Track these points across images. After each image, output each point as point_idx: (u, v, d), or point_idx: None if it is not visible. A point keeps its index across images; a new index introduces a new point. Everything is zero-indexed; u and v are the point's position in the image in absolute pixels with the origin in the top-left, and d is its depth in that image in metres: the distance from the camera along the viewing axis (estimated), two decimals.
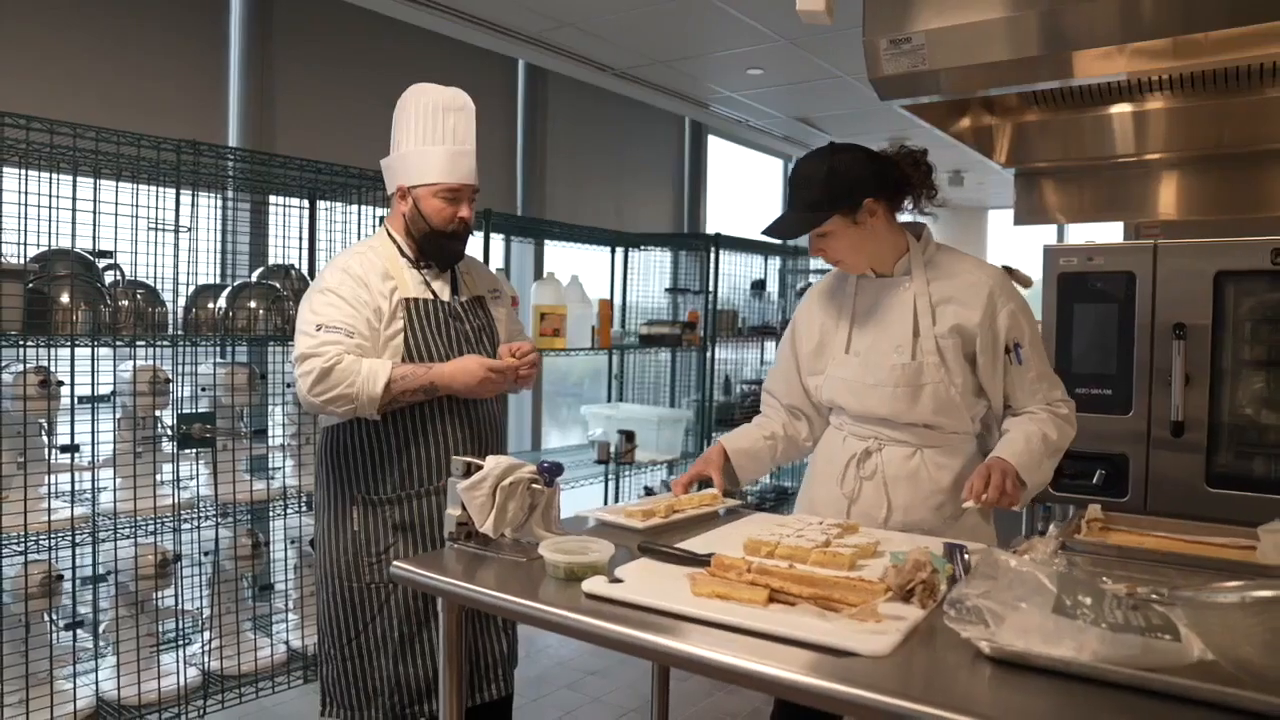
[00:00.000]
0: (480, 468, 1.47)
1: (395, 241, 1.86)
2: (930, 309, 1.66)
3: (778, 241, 6.44)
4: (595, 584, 1.24)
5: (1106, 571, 1.24)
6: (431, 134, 1.80)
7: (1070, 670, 0.96)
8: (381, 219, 3.14)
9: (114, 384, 2.52)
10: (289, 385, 2.80)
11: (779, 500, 5.00)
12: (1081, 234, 5.80)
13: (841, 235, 1.65)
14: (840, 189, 1.61)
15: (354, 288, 1.76)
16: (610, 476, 4.24)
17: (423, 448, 1.79)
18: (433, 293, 1.84)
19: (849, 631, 1.06)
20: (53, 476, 2.43)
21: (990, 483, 1.52)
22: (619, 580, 1.25)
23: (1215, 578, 1.05)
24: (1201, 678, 0.90)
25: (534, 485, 1.48)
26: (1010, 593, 1.01)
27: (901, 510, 1.68)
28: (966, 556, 1.29)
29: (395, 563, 1.42)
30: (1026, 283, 4.22)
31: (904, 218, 1.77)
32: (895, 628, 1.07)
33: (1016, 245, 7.61)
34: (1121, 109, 2.34)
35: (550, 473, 1.48)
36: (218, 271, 3.03)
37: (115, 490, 2.52)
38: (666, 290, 4.75)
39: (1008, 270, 4.18)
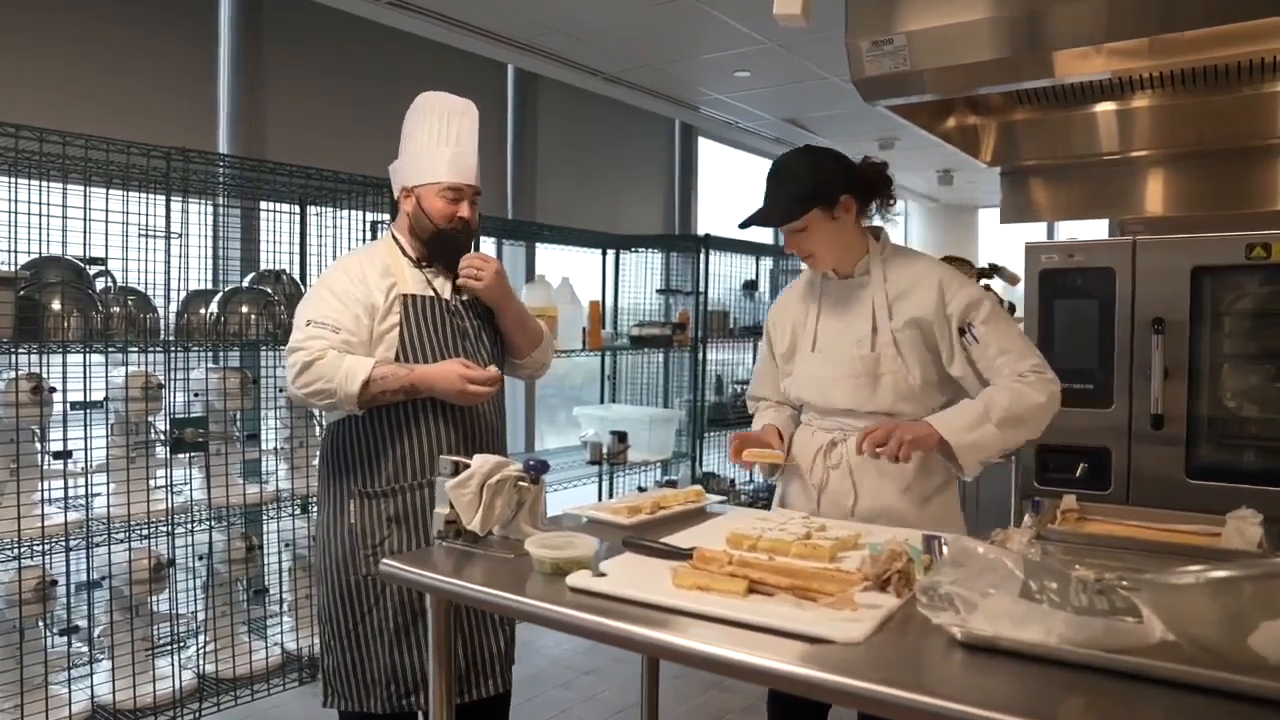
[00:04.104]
0: (468, 466, 1.50)
1: (399, 243, 1.91)
2: (887, 304, 1.74)
3: (769, 242, 6.49)
4: (579, 578, 1.26)
5: (1078, 559, 1.27)
6: (438, 137, 1.86)
7: (1038, 653, 0.99)
8: (372, 224, 3.17)
9: (106, 390, 2.53)
10: (281, 390, 2.82)
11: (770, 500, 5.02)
12: (1067, 232, 5.85)
13: (819, 229, 1.73)
14: (822, 184, 1.71)
15: (347, 284, 1.81)
16: (604, 477, 4.27)
17: (412, 442, 1.81)
18: (434, 290, 1.88)
19: (825, 620, 1.09)
20: (46, 482, 2.44)
21: (875, 436, 1.62)
22: (603, 574, 1.28)
23: (1180, 562, 1.08)
24: (1163, 657, 0.93)
25: (520, 483, 1.50)
26: (980, 579, 1.04)
27: (869, 496, 1.74)
28: (945, 547, 1.32)
29: (385, 561, 1.45)
30: (1014, 280, 4.25)
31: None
32: (870, 616, 1.10)
33: (1007, 244, 7.65)
34: (1105, 107, 2.37)
35: (536, 470, 1.50)
36: (209, 277, 3.05)
37: (109, 495, 2.53)
38: (658, 291, 4.78)
39: (995, 269, 4.23)
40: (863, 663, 1.01)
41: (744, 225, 1.78)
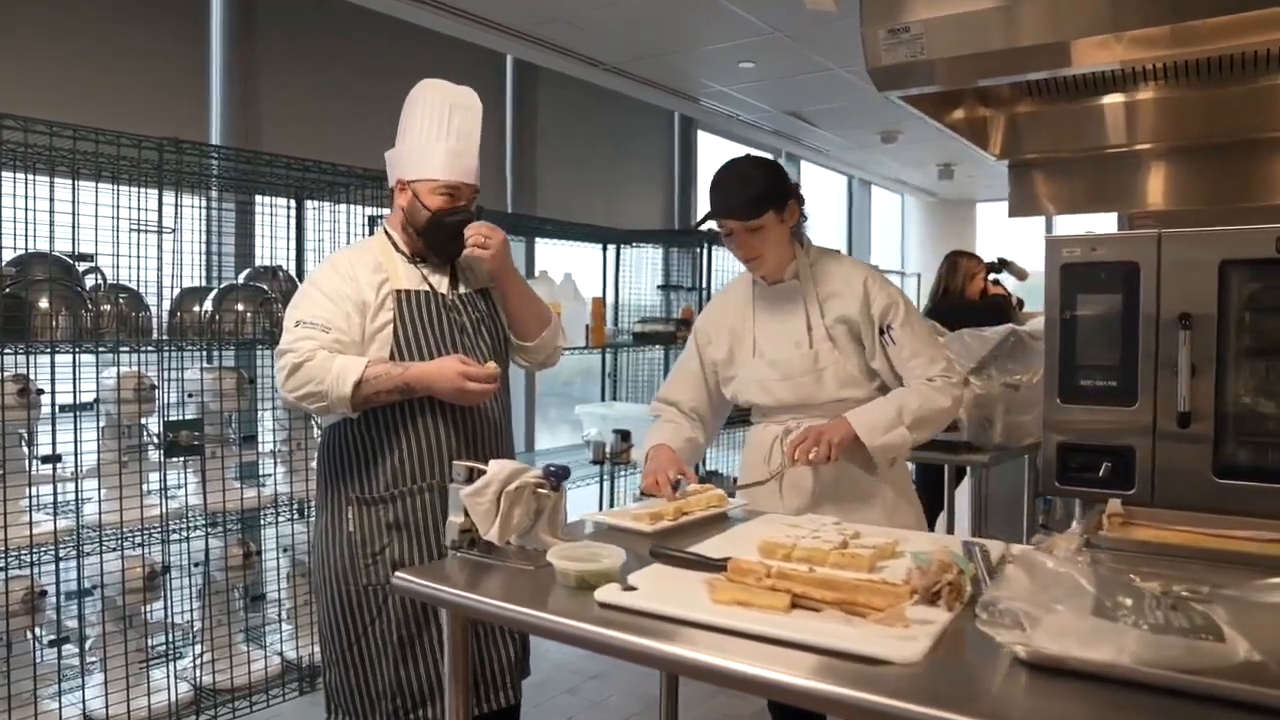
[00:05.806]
0: (483, 472, 1.42)
1: (392, 238, 1.83)
2: (818, 304, 1.88)
3: None
4: (609, 592, 1.19)
5: (1132, 568, 1.21)
6: (437, 130, 1.77)
7: (1110, 674, 0.92)
8: (370, 218, 3.09)
9: (96, 391, 2.44)
10: (278, 389, 2.74)
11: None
12: (1075, 225, 5.83)
13: (771, 231, 1.83)
14: (779, 188, 1.84)
15: (337, 282, 1.73)
16: (605, 477, 4.19)
17: (410, 444, 1.74)
18: (429, 286, 1.80)
19: (878, 637, 1.02)
20: (34, 488, 2.36)
21: (805, 445, 1.74)
22: (632, 588, 1.21)
23: (1248, 573, 1.01)
24: (1248, 679, 0.87)
25: (540, 490, 1.43)
26: (1046, 594, 0.97)
27: (827, 471, 1.81)
28: (986, 555, 1.25)
29: (397, 574, 1.37)
30: (1023, 275, 4.19)
31: None
32: (925, 632, 1.03)
33: (1005, 237, 7.63)
34: (1114, 99, 2.32)
35: (557, 477, 1.43)
36: (203, 274, 2.96)
37: (100, 501, 2.45)
38: (659, 287, 4.71)
39: (1004, 263, 4.17)
40: (924, 684, 0.94)
41: (705, 219, 1.88)
